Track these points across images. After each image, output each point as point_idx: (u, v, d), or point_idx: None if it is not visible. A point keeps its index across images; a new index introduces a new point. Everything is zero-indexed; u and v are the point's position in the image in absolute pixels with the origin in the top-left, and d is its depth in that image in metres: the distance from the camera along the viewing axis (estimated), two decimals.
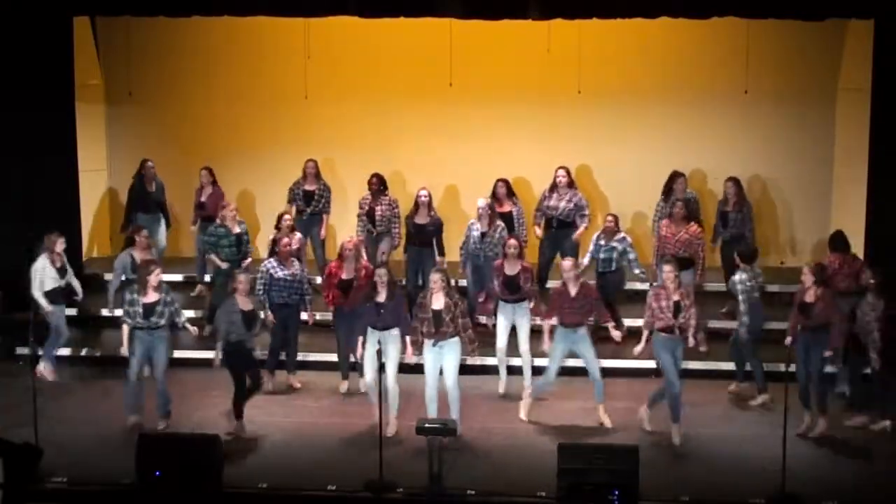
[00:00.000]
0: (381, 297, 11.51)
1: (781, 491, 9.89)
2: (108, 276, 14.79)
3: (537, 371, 12.13)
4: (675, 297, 11.31)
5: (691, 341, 11.53)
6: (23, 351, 12.97)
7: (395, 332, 11.52)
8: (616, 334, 11.95)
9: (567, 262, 11.80)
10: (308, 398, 12.42)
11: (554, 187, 14.00)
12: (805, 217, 15.04)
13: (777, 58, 14.92)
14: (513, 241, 12.32)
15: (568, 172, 14.03)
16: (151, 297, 11.52)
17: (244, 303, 11.57)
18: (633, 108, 15.26)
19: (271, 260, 12.61)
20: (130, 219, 14.75)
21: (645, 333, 11.48)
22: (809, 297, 11.44)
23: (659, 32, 14.37)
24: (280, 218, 13.33)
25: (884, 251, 13.44)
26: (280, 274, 12.41)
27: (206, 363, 13.06)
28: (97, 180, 15.79)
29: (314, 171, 14.53)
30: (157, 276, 11.55)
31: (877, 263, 13.44)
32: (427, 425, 10.34)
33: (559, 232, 13.90)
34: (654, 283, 12.19)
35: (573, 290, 11.68)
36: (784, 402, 10.15)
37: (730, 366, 12.74)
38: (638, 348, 11.64)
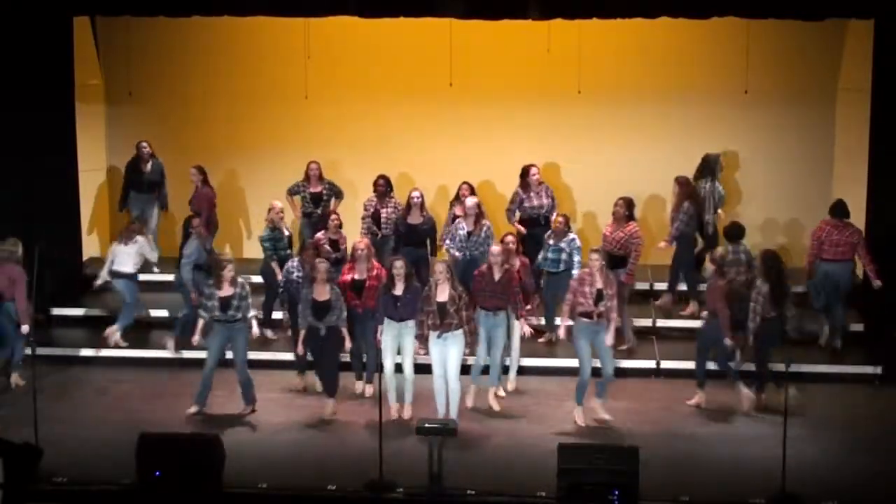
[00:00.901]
0: (398, 290, 11.61)
1: (781, 491, 9.89)
2: None
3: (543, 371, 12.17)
4: (599, 285, 11.49)
5: (609, 339, 11.60)
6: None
7: (412, 323, 11.65)
8: (526, 329, 12.08)
9: (496, 248, 11.99)
10: (309, 398, 12.41)
11: (527, 186, 14.07)
12: (805, 217, 15.01)
13: (777, 58, 14.91)
14: (510, 238, 12.33)
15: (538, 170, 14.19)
16: (227, 290, 11.79)
17: (320, 292, 11.77)
18: (633, 108, 15.25)
19: (294, 260, 12.60)
20: (125, 198, 15.05)
21: (566, 313, 11.70)
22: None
23: (659, 32, 14.35)
24: (328, 217, 13.34)
25: (884, 251, 13.44)
26: (295, 275, 12.41)
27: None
28: (97, 180, 15.78)
29: (317, 172, 14.47)
30: (230, 271, 11.84)
31: (876, 263, 13.52)
32: (427, 425, 10.34)
33: (544, 230, 13.96)
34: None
35: (497, 275, 11.84)
36: (784, 403, 10.14)
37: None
38: (560, 331, 11.89)
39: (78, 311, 14.35)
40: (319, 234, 13.26)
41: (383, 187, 14.07)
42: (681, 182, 14.09)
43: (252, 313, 12.07)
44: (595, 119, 15.34)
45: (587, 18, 13.40)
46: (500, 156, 15.14)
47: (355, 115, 15.52)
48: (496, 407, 12.03)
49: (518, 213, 14.26)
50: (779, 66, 14.95)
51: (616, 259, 12.86)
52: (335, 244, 13.14)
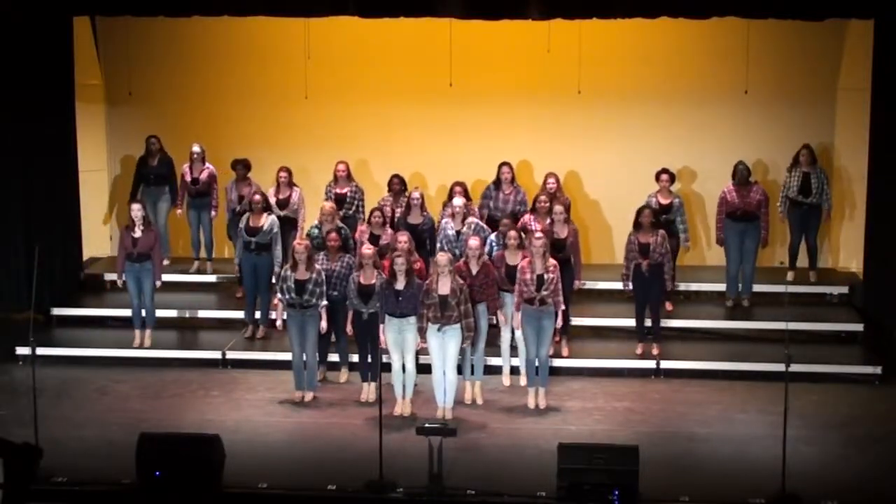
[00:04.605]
0: (400, 285, 11.63)
1: (781, 491, 9.89)
2: (108, 276, 14.84)
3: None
4: (539, 270, 11.70)
5: (558, 322, 11.90)
6: (23, 351, 12.97)
7: (413, 320, 11.67)
8: (492, 319, 12.26)
9: (473, 242, 12.09)
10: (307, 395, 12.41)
11: (499, 183, 14.09)
12: None
13: (777, 58, 14.92)
14: (513, 233, 12.32)
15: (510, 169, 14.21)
16: (303, 274, 11.86)
17: (366, 276, 11.87)
18: (634, 108, 15.25)
19: (321, 253, 12.56)
20: (135, 192, 14.98)
21: (517, 303, 11.89)
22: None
23: (659, 32, 14.37)
24: (372, 214, 13.23)
25: (884, 251, 13.45)
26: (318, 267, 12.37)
27: (208, 363, 13.22)
28: (97, 180, 15.79)
29: (345, 172, 14.27)
30: (303, 253, 11.87)
31: (876, 263, 13.53)
32: (427, 426, 10.34)
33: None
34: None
35: (474, 269, 11.97)
36: (784, 403, 10.14)
37: (731, 366, 12.89)
38: (516, 320, 11.98)
39: (78, 311, 14.35)
40: (363, 228, 13.25)
41: (398, 187, 14.02)
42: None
43: (324, 302, 12.07)
44: (595, 119, 15.34)
45: (587, 18, 13.42)
46: (500, 156, 15.09)
47: (355, 115, 15.53)
48: (479, 400, 12.13)
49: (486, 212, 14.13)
50: (779, 66, 14.96)
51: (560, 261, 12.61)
52: (376, 239, 13.03)
